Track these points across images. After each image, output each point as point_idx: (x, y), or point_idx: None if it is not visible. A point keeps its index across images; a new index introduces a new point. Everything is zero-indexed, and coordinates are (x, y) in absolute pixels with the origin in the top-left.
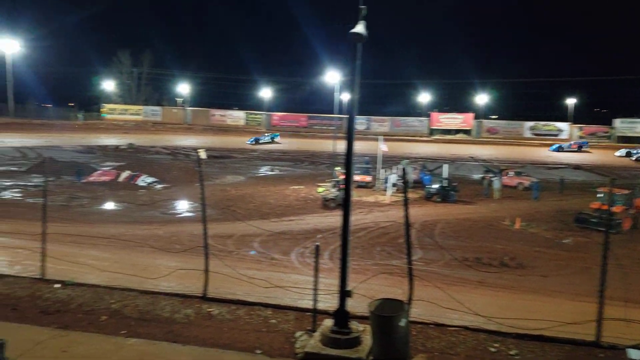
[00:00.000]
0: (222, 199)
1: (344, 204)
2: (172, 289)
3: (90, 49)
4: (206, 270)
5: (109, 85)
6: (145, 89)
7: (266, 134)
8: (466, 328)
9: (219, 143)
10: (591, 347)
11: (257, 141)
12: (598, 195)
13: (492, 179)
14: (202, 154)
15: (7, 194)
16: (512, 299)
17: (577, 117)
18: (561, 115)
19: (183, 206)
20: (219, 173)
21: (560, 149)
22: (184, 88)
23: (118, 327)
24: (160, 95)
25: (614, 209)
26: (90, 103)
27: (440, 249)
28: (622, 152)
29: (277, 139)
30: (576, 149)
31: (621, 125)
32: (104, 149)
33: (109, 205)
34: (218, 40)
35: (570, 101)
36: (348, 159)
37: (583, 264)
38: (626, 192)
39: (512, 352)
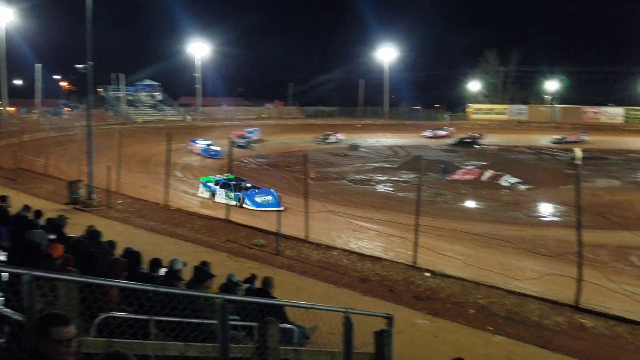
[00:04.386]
0: (593, 205)
1: None
2: (539, 293)
3: (457, 50)
4: (579, 279)
5: (474, 85)
6: (511, 87)
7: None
8: None
9: (591, 143)
10: None
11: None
12: None
13: None
14: (578, 154)
15: (381, 188)
16: None
17: None
18: None
19: (548, 209)
20: (589, 176)
21: None
22: (552, 85)
23: (485, 322)
24: (527, 94)
25: None
26: (457, 104)
27: None
28: None
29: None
30: None
31: None
32: (467, 148)
33: (471, 203)
34: (593, 30)
35: None
36: None
37: None
38: None
39: None
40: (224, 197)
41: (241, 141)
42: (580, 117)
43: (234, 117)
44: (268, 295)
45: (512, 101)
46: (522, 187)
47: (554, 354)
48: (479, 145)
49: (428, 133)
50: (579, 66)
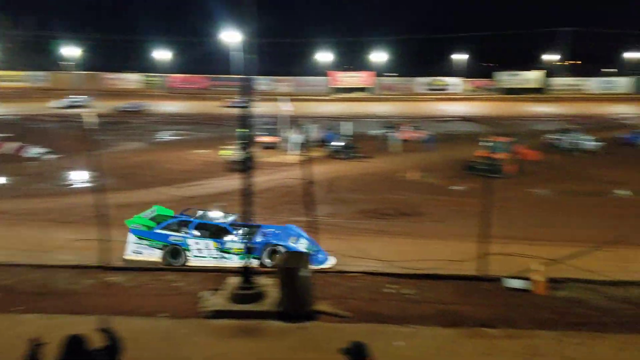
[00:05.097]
0: (122, 167)
1: (244, 163)
2: (69, 261)
3: None
4: (104, 240)
5: None
6: (29, 53)
7: None
8: (365, 273)
9: (112, 108)
10: (477, 281)
11: None
12: (482, 144)
13: (390, 134)
14: (90, 118)
15: None
16: (409, 244)
17: (468, 71)
18: (455, 70)
19: (78, 176)
20: (116, 140)
21: None
22: (72, 51)
23: (13, 303)
24: (49, 60)
25: (497, 155)
26: None
27: (343, 202)
28: None
29: None
30: None
31: (505, 78)
32: None
33: None
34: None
35: (461, 57)
36: (245, 119)
37: (474, 208)
38: (507, 139)
39: (408, 291)
40: (222, 253)
41: None
42: (102, 83)
43: None
44: None
45: (33, 68)
46: (51, 156)
47: (86, 317)
48: None
49: None
50: (99, 34)
